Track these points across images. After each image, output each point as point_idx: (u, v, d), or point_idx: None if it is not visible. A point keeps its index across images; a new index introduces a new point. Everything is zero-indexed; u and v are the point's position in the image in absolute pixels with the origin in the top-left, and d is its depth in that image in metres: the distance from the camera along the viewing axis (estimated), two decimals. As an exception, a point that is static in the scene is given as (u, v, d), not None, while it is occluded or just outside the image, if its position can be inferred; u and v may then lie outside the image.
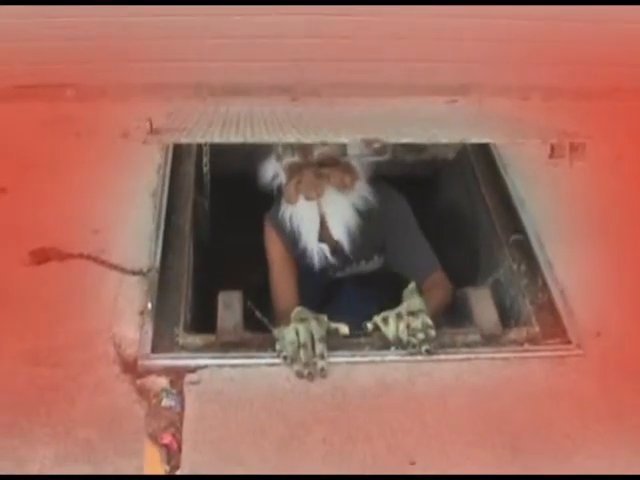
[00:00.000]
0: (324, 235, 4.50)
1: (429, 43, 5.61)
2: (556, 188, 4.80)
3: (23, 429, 3.39)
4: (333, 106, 5.52)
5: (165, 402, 3.51)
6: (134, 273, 4.12)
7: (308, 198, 4.28)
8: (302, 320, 3.81)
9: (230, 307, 3.95)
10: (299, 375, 3.63)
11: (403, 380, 3.66)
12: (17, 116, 5.28)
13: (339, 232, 4.44)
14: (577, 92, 5.83)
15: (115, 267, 4.15)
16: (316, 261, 4.58)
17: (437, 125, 4.07)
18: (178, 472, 3.26)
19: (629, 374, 3.74)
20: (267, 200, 4.67)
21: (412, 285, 4.03)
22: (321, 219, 4.43)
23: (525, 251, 4.45)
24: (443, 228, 5.49)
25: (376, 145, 3.67)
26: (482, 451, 3.38)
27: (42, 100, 5.43)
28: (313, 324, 3.79)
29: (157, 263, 4.18)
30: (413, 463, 3.32)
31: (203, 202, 5.30)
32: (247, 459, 3.30)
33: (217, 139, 3.74)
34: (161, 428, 3.41)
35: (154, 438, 3.38)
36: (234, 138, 3.70)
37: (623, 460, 3.35)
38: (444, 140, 3.81)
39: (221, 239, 5.63)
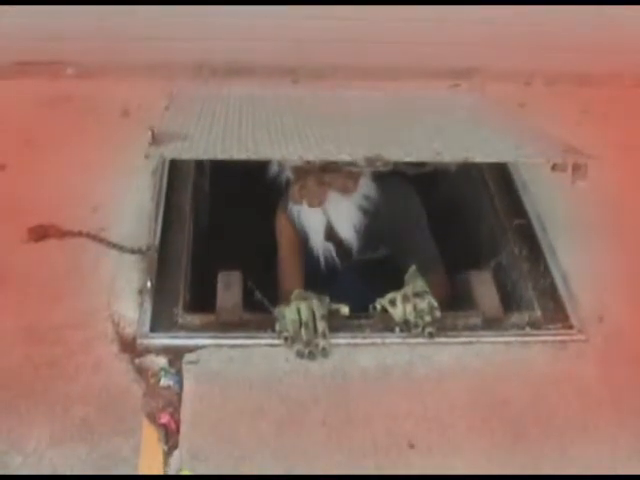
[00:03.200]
0: (331, 235, 4.51)
1: (432, 26, 5.59)
2: (561, 176, 4.76)
3: (19, 408, 3.36)
4: (335, 89, 5.48)
5: (163, 381, 3.49)
6: (133, 252, 4.09)
7: (311, 206, 4.28)
8: (304, 299, 3.80)
9: (230, 287, 3.93)
10: (299, 355, 3.61)
11: (404, 363, 3.64)
12: (17, 93, 5.25)
13: (345, 233, 4.46)
14: (580, 78, 5.81)
15: (114, 245, 4.12)
16: (322, 258, 4.62)
17: (440, 137, 4.05)
18: (176, 452, 3.23)
19: (631, 359, 3.72)
20: (267, 182, 4.63)
21: (413, 268, 4.01)
22: (327, 222, 4.46)
23: (527, 236, 4.42)
24: (446, 212, 5.46)
25: (378, 163, 3.70)
26: (482, 435, 3.36)
27: (42, 77, 5.40)
28: (315, 302, 3.78)
29: (156, 242, 4.14)
30: (412, 446, 3.29)
31: (203, 183, 5.27)
32: (245, 440, 3.28)
33: (219, 155, 3.67)
34: (159, 408, 3.39)
35: (152, 418, 3.35)
36: (237, 154, 3.65)
37: (625, 445, 3.33)
38: (448, 159, 3.78)
39: (221, 220, 5.61)
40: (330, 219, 4.40)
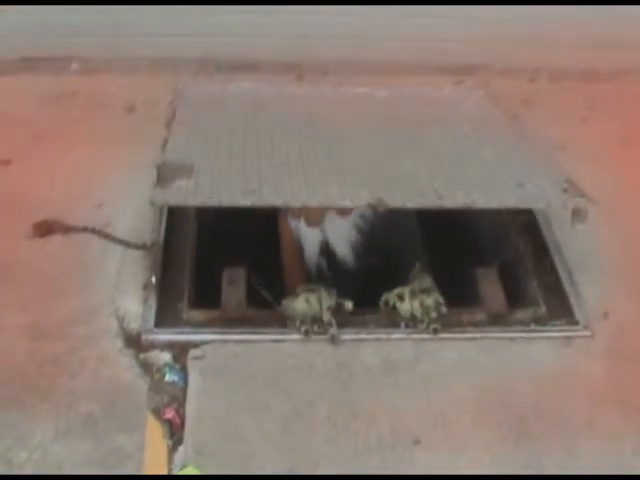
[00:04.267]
0: (326, 250, 4.62)
1: (437, 23, 5.59)
2: (565, 170, 4.76)
3: (23, 403, 3.35)
4: (340, 85, 5.47)
5: (168, 377, 3.49)
6: (138, 247, 4.09)
7: (309, 226, 4.34)
8: (312, 291, 3.82)
9: (234, 284, 3.94)
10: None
11: (408, 358, 3.63)
12: (22, 89, 5.26)
13: (342, 251, 4.59)
14: (585, 74, 5.80)
15: (119, 241, 4.13)
16: (314, 270, 4.71)
17: (441, 169, 4.09)
18: (181, 447, 3.22)
19: (636, 355, 3.71)
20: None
21: (418, 265, 4.03)
22: (323, 240, 4.57)
23: (532, 232, 4.41)
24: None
25: (380, 209, 3.77)
26: (487, 431, 3.35)
27: (47, 73, 5.41)
28: (323, 294, 3.80)
29: (161, 238, 4.14)
30: (417, 442, 3.28)
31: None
32: (250, 435, 3.27)
33: (224, 201, 3.73)
34: (164, 403, 3.39)
35: (157, 413, 3.35)
36: (242, 200, 3.71)
37: (630, 441, 3.32)
38: (449, 204, 3.81)
39: (225, 216, 5.59)
40: (327, 238, 4.50)
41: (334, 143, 4.37)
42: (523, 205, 3.89)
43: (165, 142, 4.30)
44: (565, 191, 3.90)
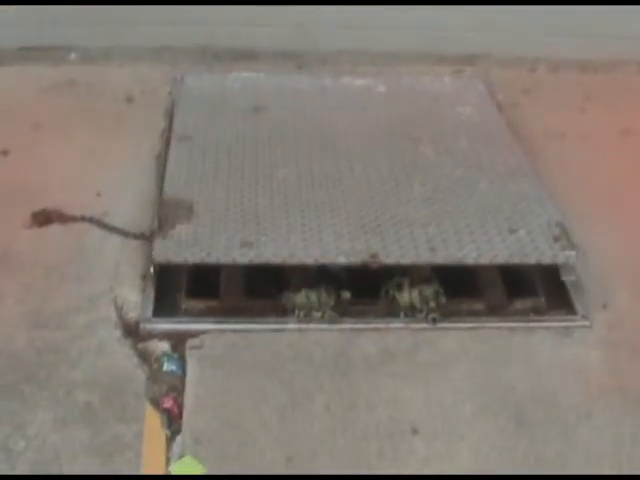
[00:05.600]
0: None
1: (437, 12, 5.58)
2: (564, 161, 4.77)
3: (22, 392, 3.35)
4: (339, 76, 5.47)
5: (167, 366, 3.49)
6: (136, 237, 4.09)
7: None
8: (313, 287, 3.83)
9: (233, 273, 3.93)
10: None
11: (407, 348, 3.63)
12: (21, 79, 5.27)
13: None
14: (584, 64, 5.80)
15: (117, 230, 4.13)
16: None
17: (434, 218, 4.13)
18: (179, 437, 3.22)
19: (635, 346, 3.71)
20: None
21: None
22: None
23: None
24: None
25: (374, 266, 3.81)
26: (486, 421, 3.35)
27: (46, 63, 5.40)
28: (322, 292, 3.81)
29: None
30: (416, 431, 3.28)
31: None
32: (248, 425, 3.27)
33: (222, 259, 3.81)
34: (162, 392, 3.38)
35: (155, 402, 3.35)
36: (240, 258, 3.79)
37: (628, 431, 3.32)
38: (441, 261, 3.88)
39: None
40: None
41: (332, 169, 4.50)
42: (513, 261, 3.91)
43: (163, 166, 4.44)
44: (556, 240, 3.97)
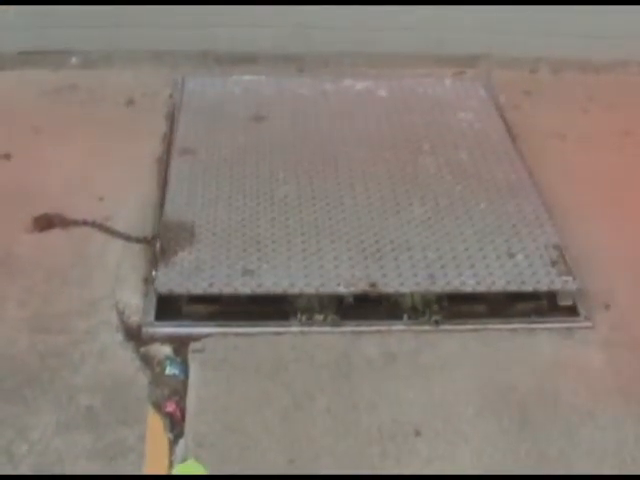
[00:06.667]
0: None
1: (438, 14, 5.58)
2: (566, 161, 4.77)
3: (25, 396, 3.36)
4: (340, 78, 5.48)
5: (169, 370, 3.49)
6: (138, 241, 4.10)
7: None
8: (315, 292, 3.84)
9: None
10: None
11: (409, 350, 3.63)
12: (22, 83, 5.27)
13: None
14: (586, 65, 5.79)
15: (119, 234, 4.13)
16: None
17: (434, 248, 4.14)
18: (182, 440, 3.22)
19: (637, 346, 3.70)
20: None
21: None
22: None
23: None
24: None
25: (373, 294, 3.84)
26: (489, 422, 3.34)
27: (47, 67, 5.41)
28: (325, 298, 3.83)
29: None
30: (418, 433, 3.28)
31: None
32: (251, 428, 3.27)
33: (224, 289, 3.82)
34: (165, 396, 3.39)
35: (158, 406, 3.36)
36: (242, 288, 3.82)
37: (631, 431, 3.31)
38: (440, 290, 3.88)
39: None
40: None
41: (332, 187, 4.54)
42: (511, 288, 3.93)
43: (164, 182, 4.48)
44: (554, 264, 4.00)
